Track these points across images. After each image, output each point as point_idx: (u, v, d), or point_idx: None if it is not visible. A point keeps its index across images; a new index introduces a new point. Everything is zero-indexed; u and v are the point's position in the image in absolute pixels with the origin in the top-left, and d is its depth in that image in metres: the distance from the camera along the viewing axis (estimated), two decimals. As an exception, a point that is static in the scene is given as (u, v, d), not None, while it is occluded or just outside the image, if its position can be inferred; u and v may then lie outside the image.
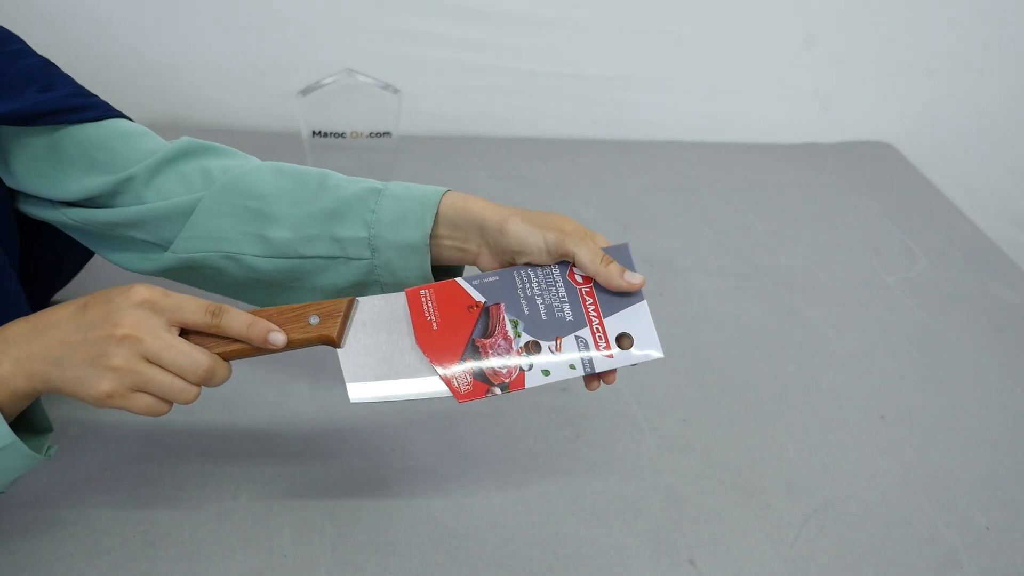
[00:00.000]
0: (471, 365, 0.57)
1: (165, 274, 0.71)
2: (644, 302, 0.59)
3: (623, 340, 0.58)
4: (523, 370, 0.56)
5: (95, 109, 0.70)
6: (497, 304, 0.58)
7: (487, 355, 0.57)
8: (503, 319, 0.57)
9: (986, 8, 1.34)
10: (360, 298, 0.61)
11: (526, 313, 0.58)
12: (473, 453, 0.78)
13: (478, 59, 1.27)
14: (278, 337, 0.57)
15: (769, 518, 0.74)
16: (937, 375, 0.93)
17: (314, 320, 0.59)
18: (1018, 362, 0.97)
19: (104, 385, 0.53)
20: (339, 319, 0.59)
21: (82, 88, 0.72)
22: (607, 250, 0.61)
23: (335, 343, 0.59)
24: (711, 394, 0.87)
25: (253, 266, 0.67)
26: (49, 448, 0.59)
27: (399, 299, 0.61)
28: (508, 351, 0.56)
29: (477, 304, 0.58)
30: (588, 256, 0.58)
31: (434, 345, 0.57)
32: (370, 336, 0.60)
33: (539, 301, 0.58)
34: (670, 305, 1.00)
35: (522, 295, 0.58)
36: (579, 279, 0.59)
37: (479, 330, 0.57)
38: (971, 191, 1.41)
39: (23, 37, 0.73)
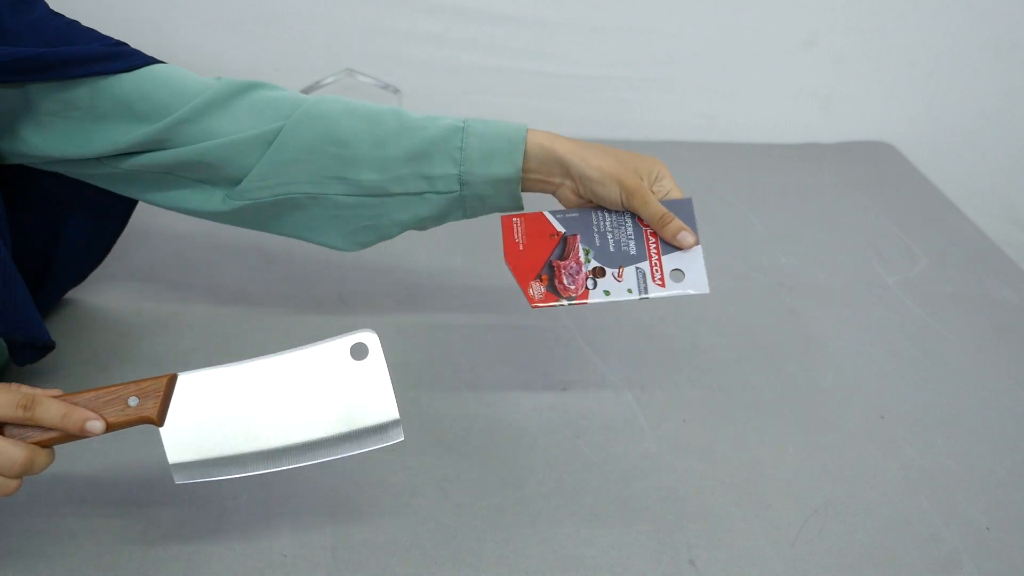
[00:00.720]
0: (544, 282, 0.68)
1: (232, 216, 0.73)
2: (699, 247, 0.69)
3: (676, 275, 0.68)
4: (588, 288, 0.66)
5: (128, 58, 0.70)
6: (574, 235, 0.68)
7: (560, 274, 0.67)
8: (578, 247, 0.68)
9: (986, 8, 1.34)
10: (181, 374, 0.61)
11: (597, 245, 0.68)
12: (473, 453, 0.78)
13: (478, 59, 1.27)
14: (95, 425, 0.56)
15: (769, 518, 0.74)
16: (937, 375, 0.93)
17: (133, 402, 0.59)
18: (1018, 362, 0.97)
19: None
20: (158, 399, 0.59)
21: (111, 39, 0.71)
22: (669, 204, 0.70)
23: (155, 423, 0.59)
24: (711, 394, 0.87)
25: (336, 203, 0.70)
26: None
27: (226, 372, 0.62)
28: (578, 272, 0.67)
29: (557, 233, 0.68)
30: (648, 215, 0.67)
31: (519, 261, 0.67)
32: (193, 412, 0.61)
33: (610, 237, 0.69)
34: (670, 305, 1.00)
35: (596, 230, 0.69)
36: (647, 227, 0.70)
37: (556, 253, 0.68)
38: (971, 191, 1.41)
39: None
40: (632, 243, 0.68)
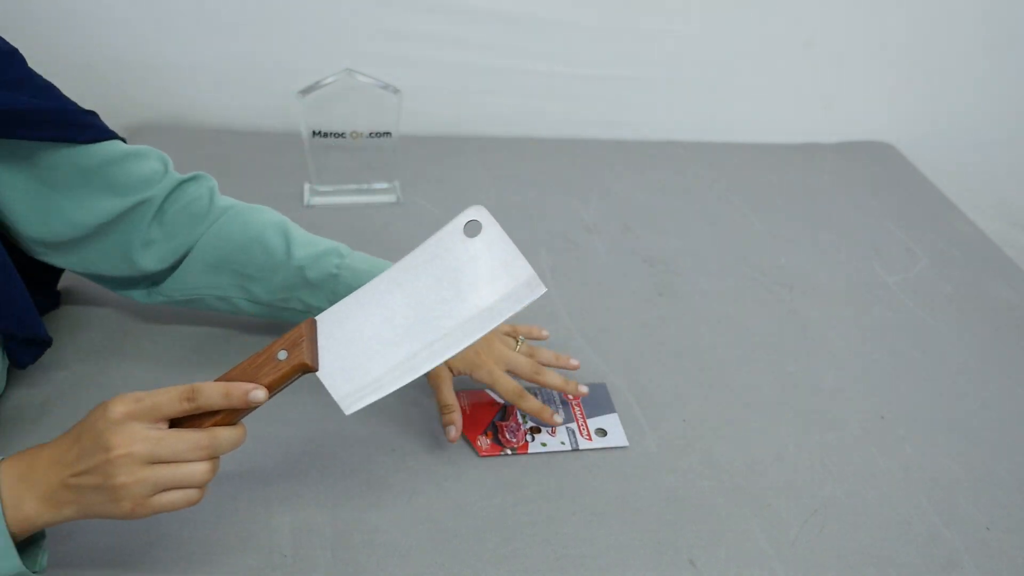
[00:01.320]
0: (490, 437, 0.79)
1: (168, 306, 0.83)
2: (616, 414, 0.83)
3: (600, 432, 0.81)
4: (528, 442, 0.79)
5: (94, 129, 0.73)
6: (512, 405, 0.81)
7: (503, 431, 0.80)
8: (516, 413, 0.82)
9: (986, 8, 1.34)
10: (318, 317, 0.64)
11: (562, 419, 0.80)
12: (473, 453, 0.78)
13: (478, 59, 1.27)
14: (258, 394, 0.58)
15: (769, 518, 0.74)
16: (937, 375, 0.93)
17: (282, 355, 0.60)
18: (1018, 362, 0.97)
19: (124, 505, 0.55)
20: (303, 344, 0.61)
21: (79, 106, 0.73)
22: (593, 387, 0.85)
23: (311, 368, 0.61)
24: (711, 394, 0.87)
25: (240, 307, 0.82)
26: (43, 554, 0.59)
27: (351, 301, 0.64)
28: (518, 430, 0.80)
29: (497, 404, 0.83)
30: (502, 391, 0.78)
31: (467, 421, 0.80)
32: (341, 347, 0.63)
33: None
34: (670, 305, 1.00)
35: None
36: (570, 396, 0.84)
37: (498, 416, 0.81)
38: (971, 191, 1.41)
39: (23, 37, 0.73)
40: (561, 409, 0.83)
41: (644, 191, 1.24)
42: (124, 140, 0.76)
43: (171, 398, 0.56)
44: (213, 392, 0.57)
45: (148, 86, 1.24)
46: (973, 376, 0.94)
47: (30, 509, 0.55)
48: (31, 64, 0.71)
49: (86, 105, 0.73)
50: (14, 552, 0.55)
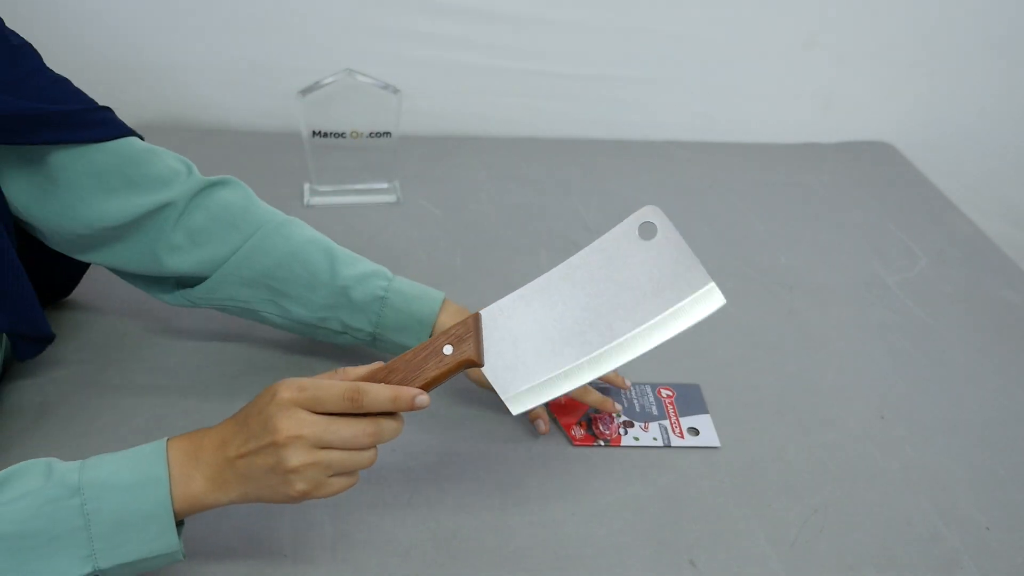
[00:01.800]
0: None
1: (194, 307, 0.79)
2: (708, 415, 0.84)
3: (692, 431, 0.82)
4: (620, 435, 0.81)
5: (106, 127, 0.71)
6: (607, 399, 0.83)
7: (597, 423, 0.82)
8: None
9: (986, 8, 1.34)
10: (483, 311, 0.63)
11: (625, 406, 0.84)
12: (473, 453, 0.78)
13: (478, 59, 1.27)
14: (423, 399, 0.58)
15: (769, 518, 0.74)
16: (937, 375, 0.93)
17: (448, 350, 0.60)
18: (1018, 362, 0.97)
19: (297, 487, 0.56)
20: (471, 339, 0.60)
21: (93, 102, 0.72)
22: (679, 387, 0.87)
23: (477, 363, 0.61)
24: (711, 394, 0.87)
25: (269, 320, 0.79)
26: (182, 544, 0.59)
27: (517, 297, 0.63)
28: (611, 423, 0.82)
29: None
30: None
31: (562, 411, 0.82)
32: (507, 344, 0.62)
33: (636, 401, 0.85)
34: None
35: (624, 396, 0.86)
36: (664, 394, 0.86)
37: (592, 408, 0.83)
38: (971, 191, 1.41)
39: (24, 38, 0.73)
40: (653, 406, 0.84)
41: (644, 191, 1.24)
42: (141, 137, 0.74)
43: (334, 396, 0.56)
44: (380, 396, 0.57)
45: (148, 86, 1.24)
46: (973, 376, 0.94)
47: (198, 487, 0.56)
48: (31, 64, 0.71)
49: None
50: (174, 531, 0.55)
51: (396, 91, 1.06)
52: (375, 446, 0.59)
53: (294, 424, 0.55)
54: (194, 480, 0.56)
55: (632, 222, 0.62)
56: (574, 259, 0.63)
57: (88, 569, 0.54)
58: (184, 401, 0.80)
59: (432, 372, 0.59)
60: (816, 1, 1.30)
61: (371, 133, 1.10)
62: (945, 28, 1.35)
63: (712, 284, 0.62)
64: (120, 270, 0.78)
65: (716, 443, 0.81)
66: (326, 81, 1.05)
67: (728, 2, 1.28)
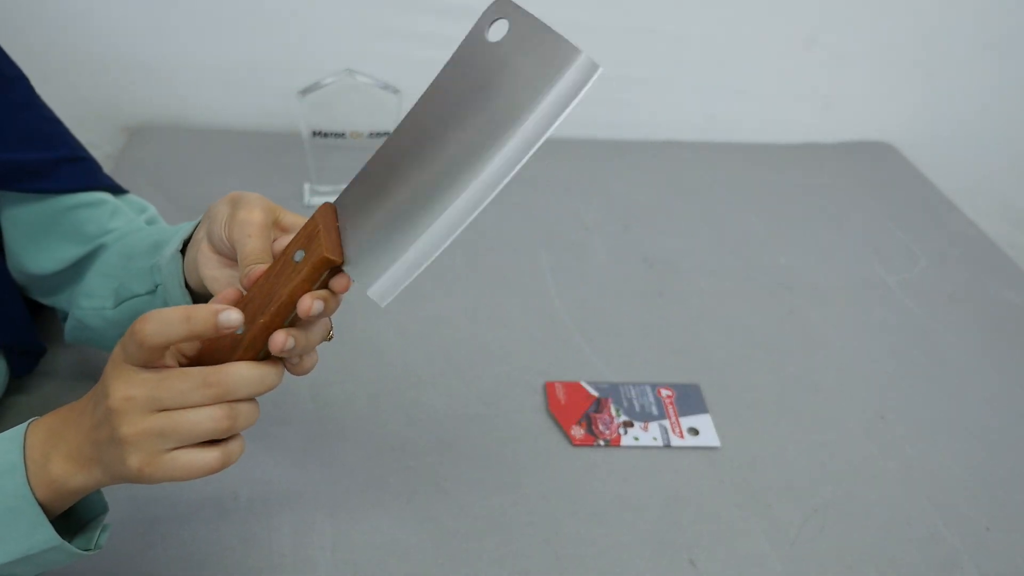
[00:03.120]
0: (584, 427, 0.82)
1: (74, 338, 0.73)
2: (708, 415, 0.84)
3: (692, 431, 0.82)
4: (620, 435, 0.81)
5: (68, 179, 0.69)
6: (607, 398, 0.85)
7: (596, 423, 0.82)
8: (610, 406, 0.84)
9: (986, 8, 1.33)
10: (336, 200, 0.51)
11: (624, 406, 0.84)
12: (473, 453, 0.78)
13: (478, 59, 1.27)
14: (231, 315, 0.45)
15: (769, 518, 0.74)
16: (937, 375, 0.93)
17: (299, 256, 0.48)
18: (1018, 362, 0.97)
19: (129, 460, 0.45)
20: (320, 235, 0.48)
21: (79, 148, 0.71)
22: (679, 387, 0.86)
23: (335, 262, 0.48)
24: (711, 394, 0.87)
25: (110, 319, 0.66)
26: (102, 533, 0.52)
27: (371, 168, 0.50)
28: (611, 423, 0.82)
29: (592, 396, 0.85)
30: (241, 253, 0.52)
31: (562, 411, 0.83)
32: (367, 224, 0.49)
33: (635, 401, 0.85)
34: (670, 305, 1.00)
35: (624, 396, 0.85)
36: (664, 394, 0.86)
37: (592, 408, 0.83)
38: (971, 191, 1.41)
39: (24, 37, 0.72)
40: (653, 406, 0.84)
41: (644, 191, 1.24)
42: (116, 189, 0.72)
43: (167, 320, 0.44)
44: (169, 315, 0.44)
45: (148, 86, 1.24)
46: (973, 376, 0.94)
47: (57, 469, 0.47)
48: (31, 64, 0.71)
49: (87, 105, 0.72)
50: (45, 520, 0.47)
51: (396, 91, 1.06)
52: (223, 401, 0.46)
53: (124, 384, 0.45)
54: (52, 461, 0.47)
55: (479, 25, 0.51)
56: (424, 96, 0.51)
57: None
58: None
59: (284, 288, 0.47)
60: (816, 1, 1.30)
61: (371, 133, 1.10)
62: (945, 28, 1.35)
63: (582, 54, 0.51)
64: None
65: (716, 443, 0.81)
66: (326, 81, 1.05)
67: (728, 2, 1.28)
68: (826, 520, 0.74)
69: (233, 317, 0.45)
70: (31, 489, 0.47)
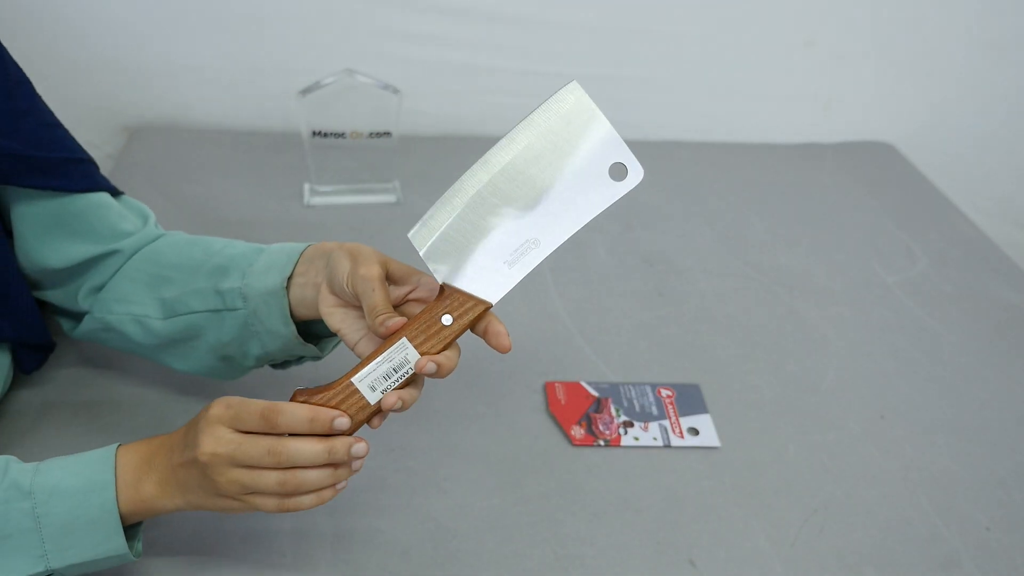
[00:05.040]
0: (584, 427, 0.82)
1: (88, 336, 0.75)
2: (708, 415, 0.84)
3: (692, 431, 0.82)
4: (620, 435, 0.81)
5: (72, 179, 0.70)
6: (607, 398, 0.85)
7: (596, 423, 0.82)
8: (610, 406, 0.84)
9: (986, 8, 1.33)
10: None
11: (624, 406, 0.84)
12: (473, 453, 0.78)
13: (478, 59, 1.27)
14: (343, 421, 0.56)
15: (769, 518, 0.74)
16: (937, 375, 0.93)
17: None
18: (1018, 362, 0.97)
19: (221, 501, 0.57)
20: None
21: (79, 151, 0.72)
22: (680, 387, 0.87)
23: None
24: (711, 394, 0.87)
25: (153, 329, 0.71)
26: (137, 543, 0.60)
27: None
28: (611, 423, 0.82)
29: (592, 396, 0.85)
30: (367, 304, 0.60)
31: (562, 411, 0.83)
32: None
33: (635, 401, 0.85)
34: (670, 305, 1.00)
35: (624, 396, 0.85)
36: (664, 394, 0.86)
37: (592, 408, 0.83)
38: (971, 191, 1.41)
39: (24, 38, 0.72)
40: (653, 406, 0.84)
41: (644, 191, 1.23)
42: (114, 191, 0.74)
43: (251, 413, 0.55)
44: (297, 415, 0.55)
45: (148, 86, 1.24)
46: (973, 376, 0.94)
47: (149, 491, 0.57)
48: (31, 64, 0.71)
49: (87, 105, 0.73)
50: (121, 535, 0.56)
51: (396, 91, 1.06)
52: (285, 468, 0.55)
53: (212, 441, 0.55)
54: (145, 485, 0.57)
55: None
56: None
57: (41, 568, 0.56)
58: (184, 402, 0.80)
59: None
60: (816, 1, 1.30)
61: (371, 133, 1.10)
62: (945, 28, 1.35)
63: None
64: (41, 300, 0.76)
65: (716, 443, 0.81)
66: (326, 81, 1.05)
67: (728, 2, 1.28)
68: (826, 520, 0.74)
69: (345, 423, 0.56)
70: (119, 505, 0.56)
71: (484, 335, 0.60)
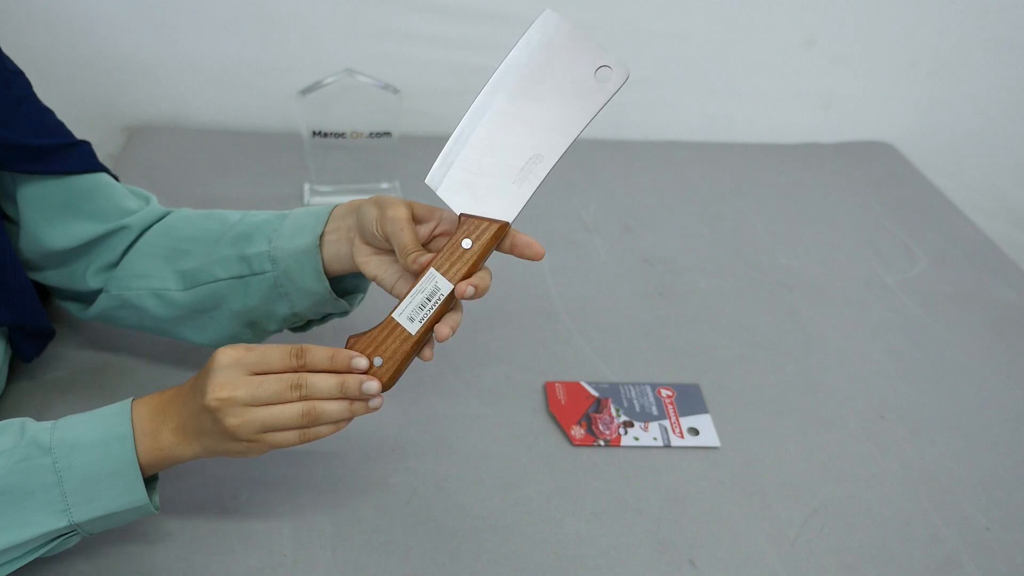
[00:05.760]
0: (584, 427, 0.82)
1: (101, 315, 0.77)
2: (708, 415, 0.84)
3: (692, 431, 0.82)
4: (620, 435, 0.81)
5: (73, 160, 0.72)
6: (607, 398, 0.85)
7: (596, 423, 0.82)
8: (610, 406, 0.84)
9: (986, 8, 1.33)
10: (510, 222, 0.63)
11: (625, 406, 0.84)
12: (473, 453, 0.78)
13: (478, 59, 1.27)
14: (360, 361, 0.59)
15: (769, 518, 0.74)
16: (937, 375, 0.93)
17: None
18: (1018, 362, 0.97)
19: (235, 445, 0.58)
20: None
21: (71, 136, 0.74)
22: (686, 387, 0.87)
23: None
24: (711, 394, 0.87)
25: (174, 301, 0.73)
26: (155, 497, 0.61)
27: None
28: (611, 423, 0.82)
29: (592, 396, 0.85)
30: (397, 243, 0.63)
31: (562, 411, 0.83)
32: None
33: (635, 402, 0.85)
34: (670, 305, 1.00)
35: (624, 396, 0.85)
36: (664, 394, 0.86)
37: (592, 408, 0.83)
38: (971, 191, 1.41)
39: (23, 36, 0.73)
40: (653, 406, 0.84)
41: (644, 191, 1.24)
42: (113, 175, 0.76)
43: (280, 352, 0.57)
44: (320, 353, 0.58)
45: (148, 86, 1.24)
46: (973, 376, 0.94)
47: (166, 440, 0.58)
48: (31, 64, 0.71)
49: (87, 105, 0.73)
50: (142, 485, 0.57)
51: (396, 91, 1.06)
52: (305, 399, 0.58)
53: (225, 383, 0.56)
54: (162, 434, 0.58)
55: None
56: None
57: (64, 522, 0.56)
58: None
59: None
60: (816, 1, 1.30)
61: (371, 133, 1.10)
62: (945, 28, 1.35)
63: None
64: (44, 285, 0.78)
65: (716, 443, 0.81)
66: (326, 81, 1.05)
67: (728, 2, 1.28)
68: (826, 520, 0.74)
69: (363, 363, 0.59)
70: (138, 456, 0.57)
71: (511, 250, 0.64)
